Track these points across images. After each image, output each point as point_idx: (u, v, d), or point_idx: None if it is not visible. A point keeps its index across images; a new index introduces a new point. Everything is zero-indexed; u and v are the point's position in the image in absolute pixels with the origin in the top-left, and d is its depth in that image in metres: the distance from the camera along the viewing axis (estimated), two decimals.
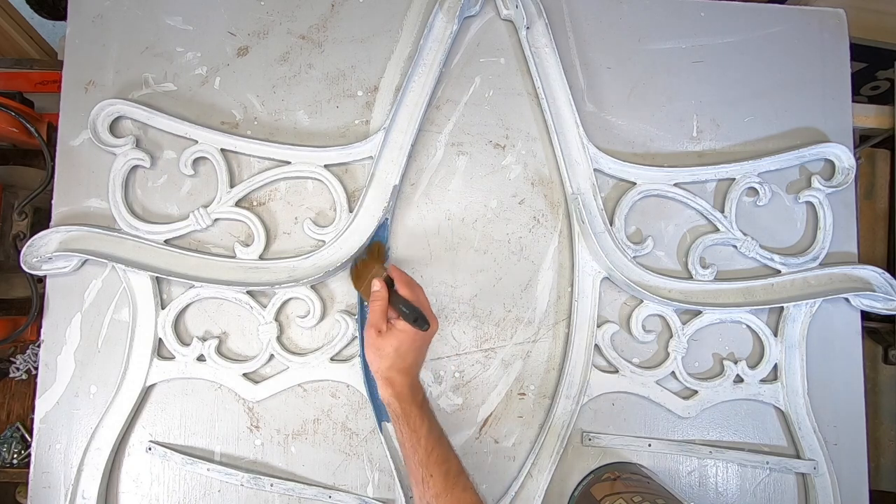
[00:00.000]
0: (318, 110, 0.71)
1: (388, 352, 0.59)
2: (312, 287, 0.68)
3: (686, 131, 0.75)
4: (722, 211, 0.72)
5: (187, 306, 0.68)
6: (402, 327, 0.59)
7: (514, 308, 0.71)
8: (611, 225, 0.70)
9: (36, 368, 0.75)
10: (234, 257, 0.68)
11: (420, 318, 0.59)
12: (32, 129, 0.70)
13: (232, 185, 0.69)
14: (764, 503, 0.71)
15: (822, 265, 0.72)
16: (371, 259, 0.67)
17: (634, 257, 0.70)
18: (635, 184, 0.72)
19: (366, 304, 0.66)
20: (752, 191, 0.73)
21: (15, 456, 0.79)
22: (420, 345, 0.61)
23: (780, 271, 0.72)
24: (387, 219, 0.69)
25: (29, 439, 0.79)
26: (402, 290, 0.62)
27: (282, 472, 0.68)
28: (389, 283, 0.63)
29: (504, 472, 0.69)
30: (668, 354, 0.71)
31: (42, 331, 0.68)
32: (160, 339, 0.67)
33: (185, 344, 0.67)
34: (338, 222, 0.68)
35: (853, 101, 0.77)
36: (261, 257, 0.68)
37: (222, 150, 0.68)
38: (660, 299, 0.69)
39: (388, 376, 0.59)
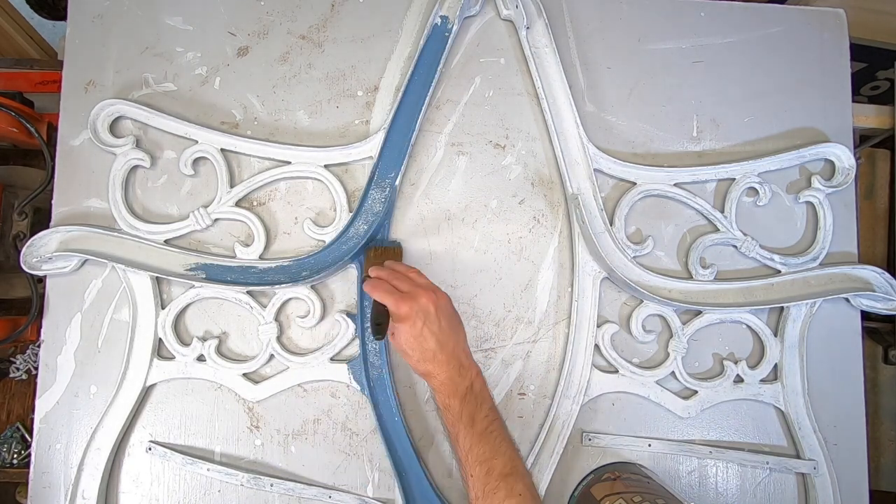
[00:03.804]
0: (318, 110, 0.71)
1: (405, 349, 0.57)
2: (312, 287, 0.68)
3: (686, 131, 0.75)
4: (722, 211, 0.72)
5: (187, 306, 0.68)
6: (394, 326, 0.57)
7: (514, 308, 0.71)
8: (611, 225, 0.70)
9: (36, 368, 0.75)
10: (234, 257, 0.68)
11: (373, 325, 0.56)
12: (32, 129, 0.70)
13: (232, 185, 0.69)
14: (764, 503, 0.71)
15: (822, 265, 0.72)
16: (386, 251, 0.67)
17: (634, 257, 0.70)
18: (635, 184, 0.72)
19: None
20: (752, 191, 0.73)
21: (15, 456, 0.79)
22: (421, 333, 0.55)
23: (780, 271, 0.72)
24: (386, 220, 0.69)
25: (29, 439, 0.79)
26: (366, 286, 0.58)
27: (282, 472, 0.68)
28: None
29: None
30: (668, 354, 0.71)
31: (42, 331, 0.68)
32: (160, 339, 0.67)
33: (185, 344, 0.67)
34: (338, 222, 0.68)
35: (853, 101, 0.76)
36: (261, 257, 0.68)
37: (222, 150, 0.68)
38: (660, 299, 0.69)
39: (422, 371, 0.57)
